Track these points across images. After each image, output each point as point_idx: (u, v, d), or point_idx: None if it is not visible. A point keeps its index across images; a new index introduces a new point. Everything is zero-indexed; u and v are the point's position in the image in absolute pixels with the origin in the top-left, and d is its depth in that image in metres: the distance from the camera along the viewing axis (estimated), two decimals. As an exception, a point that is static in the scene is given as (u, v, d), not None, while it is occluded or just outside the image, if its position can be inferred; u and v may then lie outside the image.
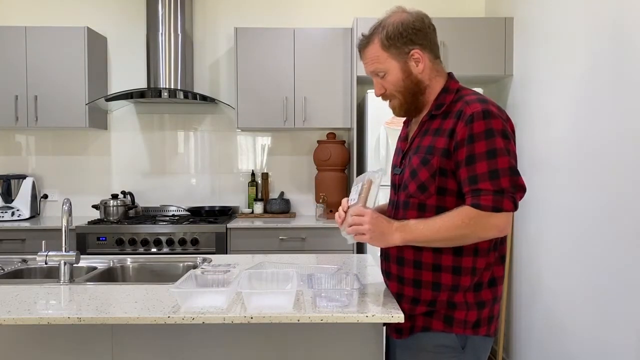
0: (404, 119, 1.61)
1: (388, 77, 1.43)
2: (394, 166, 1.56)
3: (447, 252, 1.36)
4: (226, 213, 3.67)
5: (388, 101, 1.50)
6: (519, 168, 1.34)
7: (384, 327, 1.52)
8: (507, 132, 1.32)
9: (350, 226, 1.37)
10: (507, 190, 1.28)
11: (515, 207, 1.30)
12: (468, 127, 1.31)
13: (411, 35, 1.40)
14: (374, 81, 1.48)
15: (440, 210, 1.35)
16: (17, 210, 3.53)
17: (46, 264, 1.78)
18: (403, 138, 1.58)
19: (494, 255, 1.39)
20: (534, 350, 2.82)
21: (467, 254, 1.35)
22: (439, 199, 1.36)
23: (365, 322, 1.34)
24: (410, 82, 1.42)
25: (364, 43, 1.46)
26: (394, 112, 1.51)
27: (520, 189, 1.30)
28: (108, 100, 3.45)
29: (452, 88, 1.44)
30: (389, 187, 1.58)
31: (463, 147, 1.31)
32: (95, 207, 3.51)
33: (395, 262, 1.45)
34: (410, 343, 1.42)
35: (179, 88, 3.55)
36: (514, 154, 1.33)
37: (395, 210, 1.47)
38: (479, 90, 2.91)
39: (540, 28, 2.80)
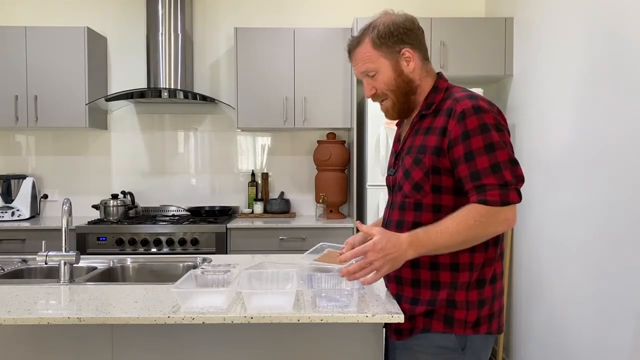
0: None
1: (379, 76, 1.43)
2: (388, 167, 1.57)
3: None
4: (226, 213, 3.67)
5: (380, 104, 1.50)
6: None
7: (384, 329, 1.52)
8: (500, 124, 1.32)
9: (360, 271, 1.31)
10: (510, 183, 1.28)
11: (520, 199, 1.30)
12: (461, 124, 1.30)
13: (402, 34, 1.41)
14: (364, 82, 1.47)
15: (436, 208, 1.35)
16: (17, 210, 3.53)
17: (46, 264, 1.78)
18: (396, 139, 1.58)
19: (494, 251, 1.39)
20: (534, 349, 2.82)
21: (464, 250, 1.34)
22: (434, 197, 1.36)
23: (365, 322, 1.33)
24: (402, 81, 1.42)
25: (355, 43, 1.46)
26: (386, 115, 1.50)
27: (520, 179, 1.30)
28: (108, 100, 3.45)
29: (441, 87, 1.45)
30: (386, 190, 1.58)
31: (459, 145, 1.30)
32: (95, 207, 3.52)
33: None
34: (410, 344, 1.41)
35: (179, 88, 3.55)
36: (510, 144, 1.33)
37: (391, 210, 1.47)
38: (479, 90, 2.91)
39: (540, 28, 2.80)
